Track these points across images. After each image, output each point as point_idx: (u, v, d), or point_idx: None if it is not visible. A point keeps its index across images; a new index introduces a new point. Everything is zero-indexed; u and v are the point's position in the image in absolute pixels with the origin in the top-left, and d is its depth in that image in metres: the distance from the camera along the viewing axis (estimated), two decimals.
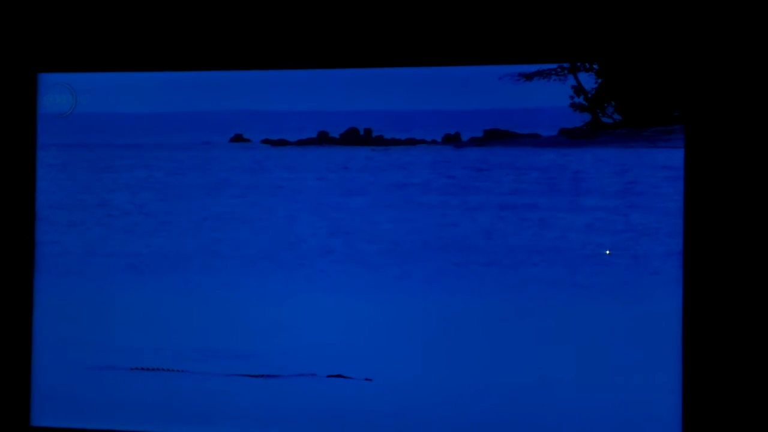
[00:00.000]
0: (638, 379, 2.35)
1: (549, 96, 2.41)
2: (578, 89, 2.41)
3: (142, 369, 2.57)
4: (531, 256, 2.41)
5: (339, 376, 2.47)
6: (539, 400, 2.39)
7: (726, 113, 2.32)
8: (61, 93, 2.65)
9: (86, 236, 2.62)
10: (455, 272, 2.44)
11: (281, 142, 2.55)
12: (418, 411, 2.44)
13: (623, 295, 2.36)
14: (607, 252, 2.37)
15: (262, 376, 2.51)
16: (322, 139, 2.52)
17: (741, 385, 2.31)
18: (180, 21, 2.57)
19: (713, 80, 2.33)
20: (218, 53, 2.55)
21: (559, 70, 2.42)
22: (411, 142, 2.48)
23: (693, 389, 2.32)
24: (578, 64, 2.41)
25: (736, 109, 2.32)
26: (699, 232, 2.33)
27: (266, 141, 2.55)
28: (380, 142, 2.49)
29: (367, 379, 2.46)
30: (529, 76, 2.43)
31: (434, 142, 2.47)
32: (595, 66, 2.41)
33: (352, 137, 2.51)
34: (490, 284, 2.43)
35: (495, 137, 2.44)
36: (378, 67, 2.49)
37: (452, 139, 2.46)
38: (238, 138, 2.57)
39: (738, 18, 2.33)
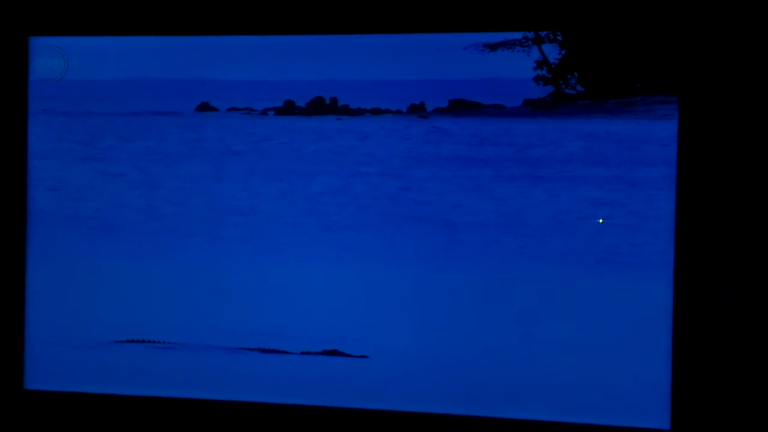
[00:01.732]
0: (629, 347, 2.39)
1: (513, 67, 2.43)
2: (542, 61, 2.43)
3: (134, 341, 2.60)
4: (518, 228, 2.45)
5: (334, 351, 2.51)
6: (533, 369, 2.44)
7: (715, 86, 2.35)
8: (52, 57, 2.62)
9: (78, 202, 2.63)
10: (441, 242, 2.48)
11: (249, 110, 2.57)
12: (412, 383, 2.49)
13: (605, 263, 2.42)
14: (600, 221, 2.42)
15: (258, 349, 2.55)
16: (289, 107, 2.54)
17: (731, 353, 2.36)
18: None
19: (705, 52, 2.35)
20: (196, 17, 2.54)
21: (523, 41, 2.44)
22: (376, 111, 2.50)
23: (683, 358, 2.38)
24: (542, 34, 2.43)
25: (730, 81, 2.34)
26: (693, 204, 2.37)
27: (232, 109, 2.57)
28: (346, 111, 2.51)
29: (362, 356, 2.50)
30: (493, 47, 2.44)
31: (399, 111, 2.49)
32: (558, 37, 2.43)
33: (319, 106, 2.52)
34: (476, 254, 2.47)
35: (460, 107, 2.47)
36: (344, 34, 2.50)
37: (417, 109, 2.49)
38: (204, 106, 2.57)
39: None
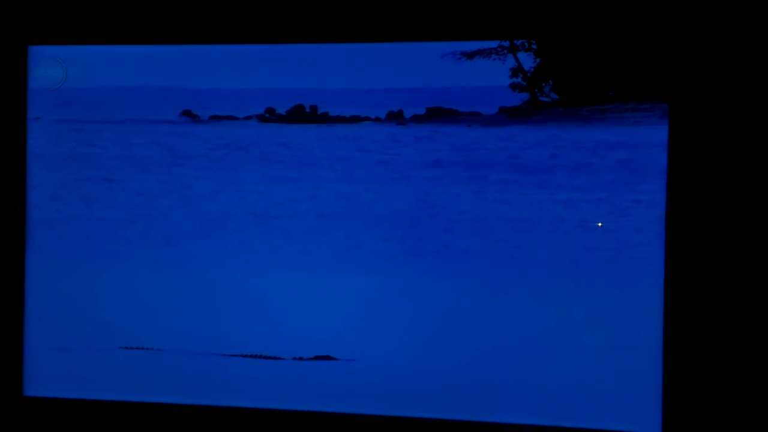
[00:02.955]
0: (620, 352, 2.43)
1: (489, 75, 2.48)
2: (517, 69, 2.48)
3: (131, 348, 2.63)
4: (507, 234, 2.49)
5: (327, 357, 2.55)
6: (524, 373, 2.47)
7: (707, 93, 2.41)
8: (51, 66, 2.66)
9: (77, 210, 2.66)
10: (432, 250, 2.52)
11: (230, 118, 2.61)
12: (404, 387, 2.53)
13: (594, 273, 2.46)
14: (599, 224, 2.45)
15: (254, 356, 2.58)
16: (270, 115, 2.58)
17: (723, 359, 2.40)
18: None
19: (695, 60, 2.40)
20: (180, 27, 2.59)
21: (499, 49, 2.48)
22: (356, 119, 2.55)
23: (674, 363, 2.41)
24: (517, 43, 2.48)
25: (721, 90, 2.39)
26: (684, 209, 2.41)
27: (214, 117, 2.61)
28: (326, 119, 2.56)
29: (353, 360, 2.53)
30: (470, 55, 2.49)
31: (378, 119, 2.54)
32: (533, 46, 2.48)
33: (299, 114, 2.57)
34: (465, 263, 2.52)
35: (437, 114, 2.51)
36: (324, 43, 2.54)
37: (396, 117, 2.53)
38: (186, 113, 2.62)
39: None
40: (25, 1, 2.65)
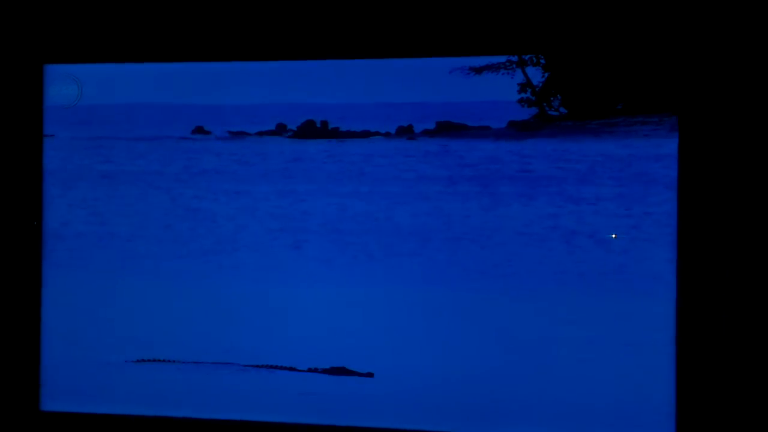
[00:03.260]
0: (632, 367, 2.45)
1: (498, 90, 2.50)
2: (526, 84, 2.50)
3: (147, 360, 2.65)
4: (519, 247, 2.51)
5: (342, 369, 2.56)
6: (541, 386, 2.49)
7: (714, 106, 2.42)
8: (66, 84, 2.70)
9: (92, 226, 2.70)
10: (444, 262, 2.54)
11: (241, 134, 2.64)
12: (419, 401, 2.54)
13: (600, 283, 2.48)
14: (613, 236, 2.46)
15: (266, 366, 2.60)
16: (281, 130, 2.61)
17: (736, 367, 2.41)
18: (166, 12, 2.63)
19: (703, 73, 2.42)
20: (191, 45, 2.63)
21: (507, 64, 2.50)
22: (365, 134, 2.57)
23: (687, 373, 2.42)
24: (526, 58, 2.50)
25: (729, 102, 2.41)
26: (695, 223, 2.43)
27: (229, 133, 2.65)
28: (336, 134, 2.58)
29: (368, 374, 2.55)
30: (478, 70, 2.51)
31: (388, 134, 2.56)
32: (542, 60, 2.50)
33: (310, 129, 2.59)
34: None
35: (447, 129, 2.53)
36: (334, 59, 2.57)
37: (406, 131, 2.55)
38: (199, 129, 2.65)
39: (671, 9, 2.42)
40: (41, 21, 2.70)
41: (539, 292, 2.49)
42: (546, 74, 2.49)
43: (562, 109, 2.49)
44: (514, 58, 2.50)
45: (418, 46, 2.53)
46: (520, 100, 2.49)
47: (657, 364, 2.43)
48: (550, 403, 2.48)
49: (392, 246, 2.55)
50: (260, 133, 2.62)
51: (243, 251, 2.62)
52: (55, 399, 2.70)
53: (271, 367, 2.59)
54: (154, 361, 2.65)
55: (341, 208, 2.57)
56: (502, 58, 2.50)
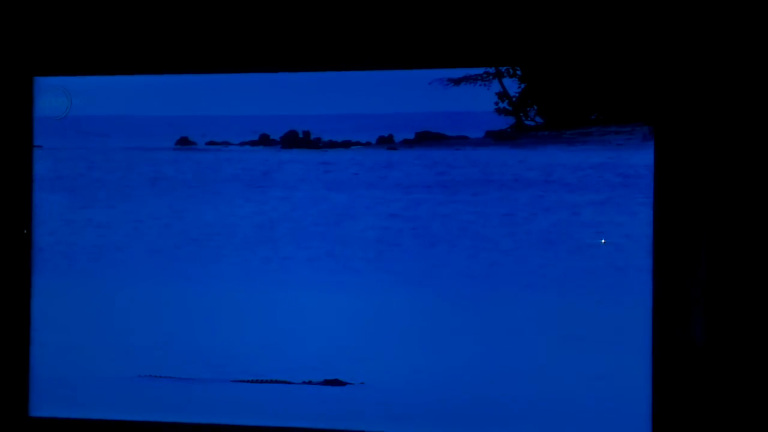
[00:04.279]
0: (609, 369, 2.49)
1: (476, 100, 2.55)
2: (503, 94, 2.56)
3: (142, 376, 2.68)
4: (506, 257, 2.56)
5: (335, 381, 2.59)
6: (534, 392, 2.52)
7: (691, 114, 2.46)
8: (56, 96, 2.75)
9: (81, 235, 2.73)
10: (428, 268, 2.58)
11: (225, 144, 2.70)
12: (413, 409, 2.57)
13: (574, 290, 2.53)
14: (603, 241, 2.51)
15: (260, 381, 2.63)
16: (264, 141, 2.67)
17: (713, 372, 2.44)
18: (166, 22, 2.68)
19: (678, 83, 2.46)
20: (176, 57, 2.68)
21: (485, 75, 2.56)
22: (347, 144, 2.63)
23: (663, 376, 2.46)
24: (502, 69, 2.56)
25: (705, 110, 2.45)
26: (671, 229, 2.47)
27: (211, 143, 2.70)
28: (318, 144, 2.64)
29: (362, 383, 2.57)
30: (457, 82, 2.57)
31: (369, 143, 2.62)
32: (518, 72, 2.56)
33: (292, 139, 2.65)
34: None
35: (426, 139, 2.59)
36: (316, 71, 2.63)
37: (386, 141, 2.61)
38: (183, 141, 2.70)
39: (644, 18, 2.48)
40: (31, 33, 2.74)
41: (519, 297, 2.53)
42: (522, 85, 2.55)
43: (538, 119, 2.55)
44: (492, 70, 2.56)
45: (398, 59, 2.58)
46: (498, 111, 2.55)
47: (633, 366, 2.46)
48: (546, 409, 2.51)
49: (374, 254, 2.59)
50: (244, 143, 2.67)
51: (228, 262, 2.66)
52: (44, 405, 2.73)
53: (266, 381, 2.62)
54: (150, 377, 2.66)
55: (328, 217, 2.62)
56: (480, 70, 2.56)
